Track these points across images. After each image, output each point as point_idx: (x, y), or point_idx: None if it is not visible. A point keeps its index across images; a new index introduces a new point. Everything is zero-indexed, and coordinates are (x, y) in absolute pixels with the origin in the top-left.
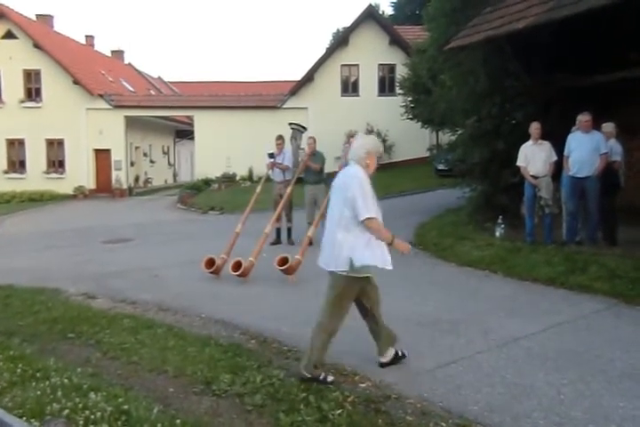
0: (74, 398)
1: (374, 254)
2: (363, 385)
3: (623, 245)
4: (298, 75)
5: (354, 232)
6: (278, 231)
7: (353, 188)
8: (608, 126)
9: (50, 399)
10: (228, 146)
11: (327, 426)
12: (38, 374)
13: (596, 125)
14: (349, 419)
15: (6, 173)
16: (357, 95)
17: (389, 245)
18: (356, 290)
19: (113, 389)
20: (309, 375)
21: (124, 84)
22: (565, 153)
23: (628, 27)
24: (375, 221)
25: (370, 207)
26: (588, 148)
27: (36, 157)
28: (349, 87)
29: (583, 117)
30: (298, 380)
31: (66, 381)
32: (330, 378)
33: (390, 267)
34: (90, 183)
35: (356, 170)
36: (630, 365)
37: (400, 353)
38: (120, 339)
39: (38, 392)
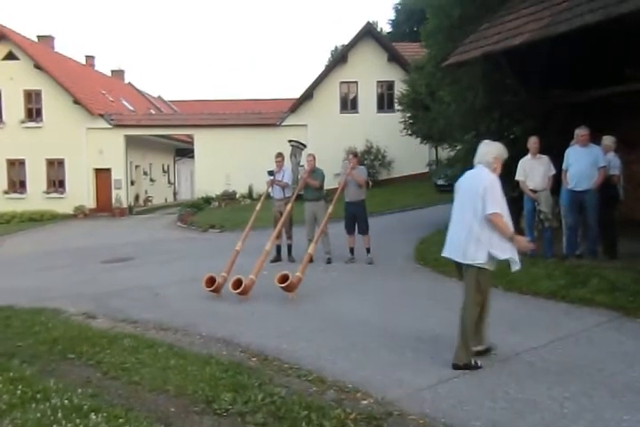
0: (74, 419)
1: (511, 248)
2: (364, 402)
3: (623, 258)
4: (297, 92)
5: (489, 228)
6: (278, 248)
7: (485, 185)
8: (608, 139)
9: (50, 421)
10: (227, 164)
11: None
12: (38, 396)
13: (595, 139)
14: None
15: (6, 193)
16: (356, 112)
17: (510, 240)
18: (490, 279)
19: (114, 409)
20: (462, 364)
21: (125, 103)
22: (564, 167)
23: (623, 42)
24: (499, 215)
25: (496, 203)
26: (586, 161)
27: (36, 176)
28: (348, 104)
29: (580, 132)
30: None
31: (66, 402)
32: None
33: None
34: (90, 202)
35: (487, 172)
36: (633, 378)
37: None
38: (121, 359)
39: (38, 414)
